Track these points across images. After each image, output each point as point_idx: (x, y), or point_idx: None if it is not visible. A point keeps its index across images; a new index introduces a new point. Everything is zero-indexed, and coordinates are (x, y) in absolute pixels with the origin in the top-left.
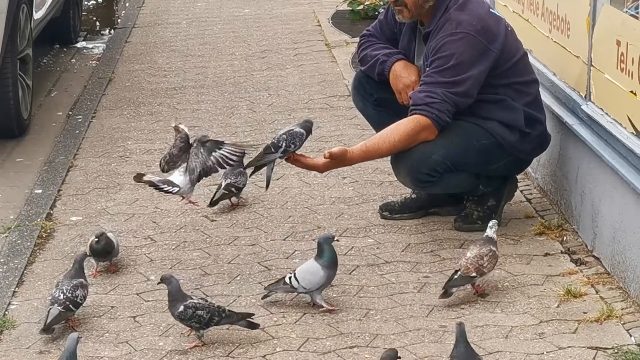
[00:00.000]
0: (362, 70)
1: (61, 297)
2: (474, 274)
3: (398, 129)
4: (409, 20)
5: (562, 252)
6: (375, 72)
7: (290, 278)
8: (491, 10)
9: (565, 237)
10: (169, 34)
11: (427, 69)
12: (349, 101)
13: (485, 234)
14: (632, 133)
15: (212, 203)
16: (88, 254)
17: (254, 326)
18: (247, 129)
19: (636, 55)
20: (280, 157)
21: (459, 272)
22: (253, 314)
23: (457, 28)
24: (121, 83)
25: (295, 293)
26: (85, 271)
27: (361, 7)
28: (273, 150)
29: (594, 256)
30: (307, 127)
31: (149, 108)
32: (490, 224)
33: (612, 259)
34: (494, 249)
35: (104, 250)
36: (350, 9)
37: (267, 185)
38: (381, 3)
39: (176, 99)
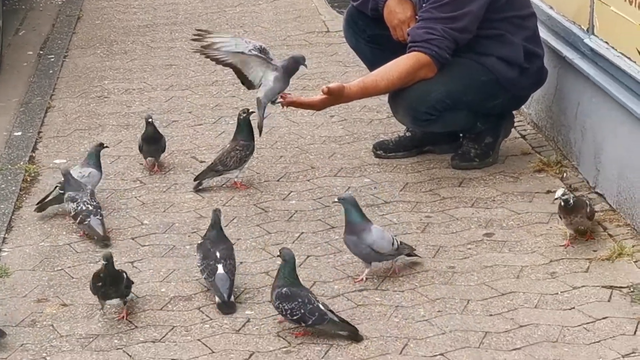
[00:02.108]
0: (354, 5)
1: None
2: None
3: (397, 66)
4: None
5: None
6: (369, 8)
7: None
8: None
9: (565, 174)
10: None
11: (425, 4)
12: (328, 37)
13: None
14: None
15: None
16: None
17: None
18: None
19: None
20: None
21: None
22: None
23: None
24: (90, 21)
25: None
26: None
27: None
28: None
29: (597, 193)
30: (286, 67)
31: (122, 46)
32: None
33: (618, 196)
34: None
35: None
36: None
37: (260, 132)
38: None
39: (149, 37)
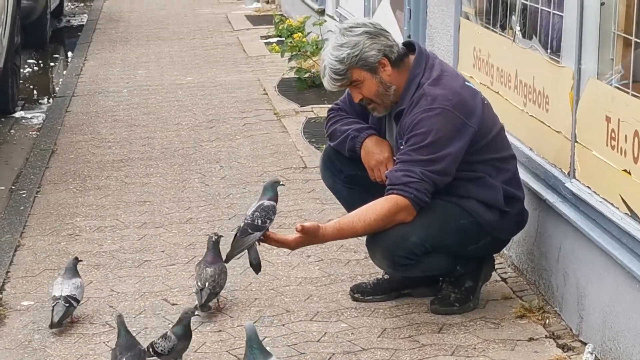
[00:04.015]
0: (331, 145)
1: None
2: None
3: (375, 209)
4: (386, 112)
5: (546, 337)
6: (346, 148)
7: None
8: (466, 83)
9: (547, 320)
10: (110, 103)
11: (402, 146)
12: (305, 173)
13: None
14: (626, 214)
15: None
16: None
17: None
18: (201, 203)
19: (629, 132)
20: (260, 238)
21: None
22: None
23: (433, 103)
24: (65, 155)
25: None
26: None
27: (307, 74)
28: (251, 231)
29: (580, 341)
30: (274, 197)
31: (96, 182)
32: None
33: (603, 345)
34: None
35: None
36: (297, 76)
37: (258, 269)
38: None
39: (124, 172)
